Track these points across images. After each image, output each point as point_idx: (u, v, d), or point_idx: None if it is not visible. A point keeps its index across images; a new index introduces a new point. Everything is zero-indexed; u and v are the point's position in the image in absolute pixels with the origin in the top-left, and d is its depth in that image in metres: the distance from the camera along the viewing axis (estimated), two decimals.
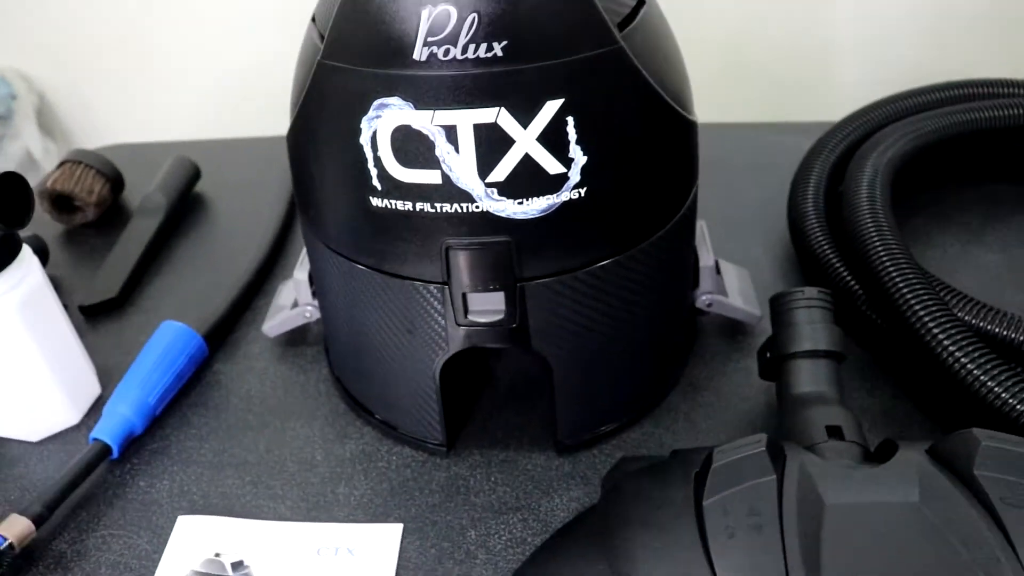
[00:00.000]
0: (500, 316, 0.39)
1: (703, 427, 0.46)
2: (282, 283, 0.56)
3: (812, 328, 0.42)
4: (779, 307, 0.43)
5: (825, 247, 0.53)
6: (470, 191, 0.35)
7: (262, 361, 0.53)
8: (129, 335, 0.56)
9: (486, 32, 0.32)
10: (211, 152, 0.77)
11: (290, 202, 0.67)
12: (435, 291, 0.38)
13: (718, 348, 0.51)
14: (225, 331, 0.55)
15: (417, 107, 0.34)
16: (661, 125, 0.38)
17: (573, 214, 0.36)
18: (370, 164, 0.36)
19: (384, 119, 0.34)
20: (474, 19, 0.32)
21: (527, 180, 0.35)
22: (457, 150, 0.34)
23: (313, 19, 0.39)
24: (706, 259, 0.49)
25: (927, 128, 0.58)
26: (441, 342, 0.40)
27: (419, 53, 0.32)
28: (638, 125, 0.37)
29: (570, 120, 0.34)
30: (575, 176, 0.35)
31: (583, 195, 0.36)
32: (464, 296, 0.38)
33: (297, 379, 0.51)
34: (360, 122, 0.35)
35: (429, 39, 0.32)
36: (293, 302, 0.53)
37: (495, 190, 0.35)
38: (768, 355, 0.43)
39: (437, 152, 0.34)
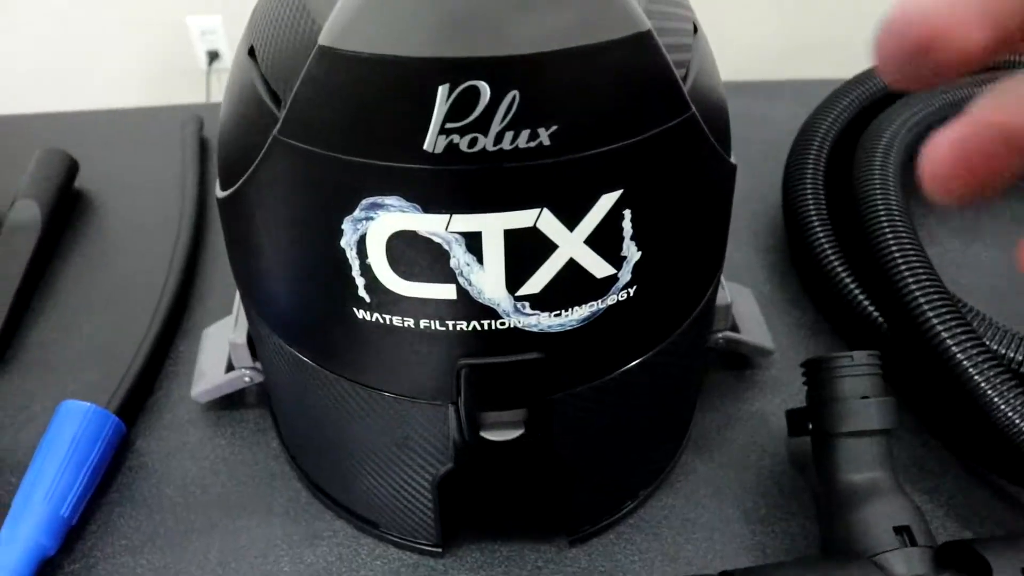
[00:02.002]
0: (519, 433, 0.31)
1: (726, 492, 0.41)
2: (206, 331, 0.46)
3: (864, 404, 0.36)
4: (821, 375, 0.37)
5: (835, 264, 0.48)
6: (494, 306, 0.27)
7: (194, 433, 0.43)
8: (10, 409, 0.44)
9: (530, 115, 0.23)
10: (84, 130, 0.63)
11: (199, 200, 0.56)
12: (439, 409, 0.30)
13: (726, 387, 0.46)
14: (142, 395, 0.45)
15: (427, 210, 0.24)
16: (721, 191, 0.31)
17: (616, 317, 0.29)
18: (355, 272, 0.26)
19: (378, 223, 0.25)
20: (514, 99, 0.22)
21: (568, 289, 0.27)
22: (480, 261, 0.25)
23: (251, 53, 0.28)
24: (723, 297, 0.42)
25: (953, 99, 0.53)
26: (442, 457, 0.33)
27: (432, 143, 0.23)
28: (700, 200, 0.29)
29: (627, 214, 0.26)
30: (625, 276, 0.28)
31: (631, 295, 0.28)
32: (477, 413, 0.30)
33: (241, 456, 0.42)
34: (341, 222, 0.25)
35: (448, 126, 0.23)
36: (227, 363, 0.43)
37: (527, 304, 0.27)
38: (808, 426, 0.38)
39: (453, 264, 0.25)
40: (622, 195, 0.25)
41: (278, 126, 0.25)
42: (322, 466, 0.39)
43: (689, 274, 0.31)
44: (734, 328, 0.45)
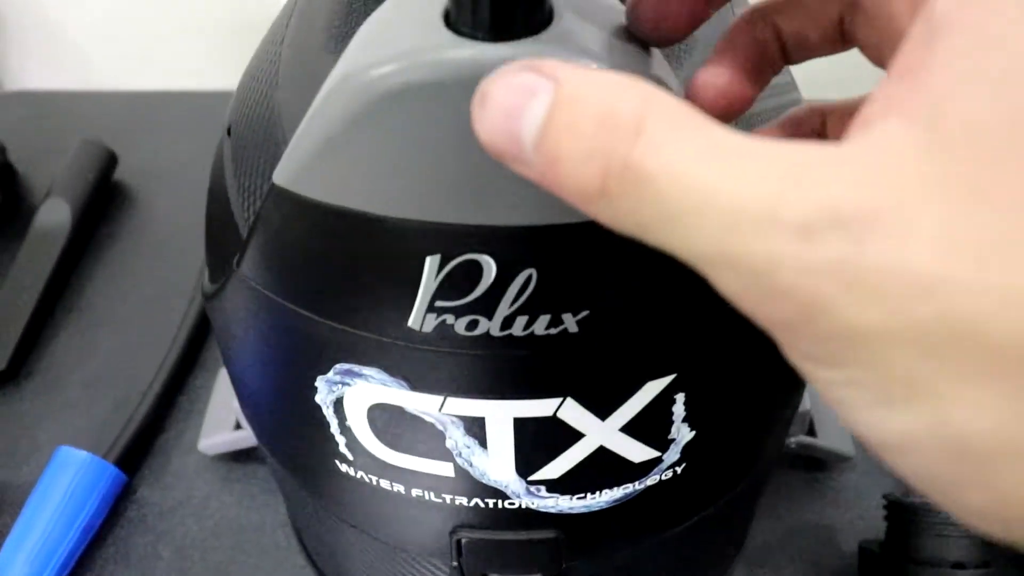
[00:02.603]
0: None
1: None
2: (223, 370, 0.42)
3: (968, 542, 0.30)
4: (906, 521, 0.31)
5: None
6: (503, 488, 0.21)
7: (200, 486, 0.40)
8: (16, 435, 0.42)
9: (552, 299, 0.17)
10: (134, 110, 0.60)
11: None
12: (439, 567, 0.26)
13: (792, 492, 0.39)
14: (150, 436, 0.42)
15: (415, 388, 0.19)
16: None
17: (657, 495, 0.23)
18: (334, 429, 0.21)
19: (356, 390, 0.20)
20: (529, 279, 0.16)
21: (596, 473, 0.21)
22: (484, 445, 0.20)
23: (229, 133, 0.23)
24: (805, 402, 0.36)
25: None
26: None
27: (418, 322, 0.17)
28: (772, 364, 0.22)
29: (680, 397, 0.20)
30: (672, 457, 0.22)
31: (678, 472, 0.22)
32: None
33: (248, 519, 0.39)
34: (314, 380, 0.20)
35: (439, 304, 0.17)
36: (235, 419, 0.39)
37: (542, 487, 0.21)
38: (891, 563, 0.32)
39: (449, 444, 0.20)
40: (674, 380, 0.19)
41: (238, 257, 0.20)
42: (322, 554, 0.35)
43: (755, 438, 0.25)
44: (810, 430, 0.38)
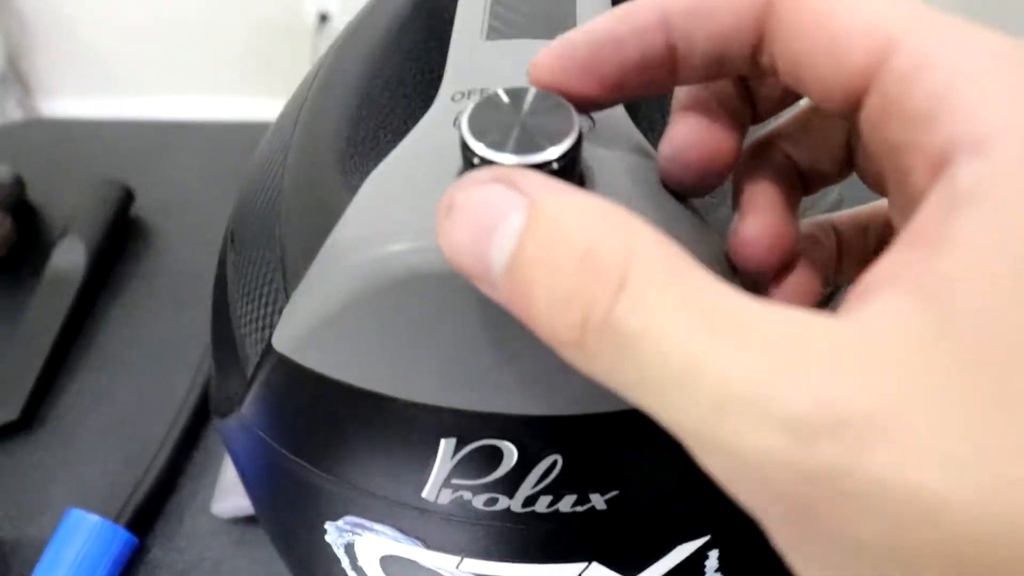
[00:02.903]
0: None
1: None
2: None
3: None
4: None
5: None
6: None
7: (213, 549, 0.39)
8: (28, 488, 0.42)
9: (579, 481, 0.15)
10: (153, 141, 0.59)
11: None
12: None
13: None
14: (163, 495, 0.41)
15: (429, 547, 0.18)
16: None
17: None
18: (345, 566, 0.20)
19: (366, 540, 0.18)
20: (554, 464, 0.15)
21: None
22: None
23: (232, 240, 0.21)
24: None
25: None
26: None
27: (433, 493, 0.16)
28: None
29: (713, 554, 0.18)
30: None
31: None
32: None
33: None
34: (323, 523, 0.19)
35: (455, 482, 0.16)
36: None
37: None
38: None
39: None
40: (708, 540, 0.18)
41: (240, 397, 0.18)
42: None
43: None
44: None
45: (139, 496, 0.39)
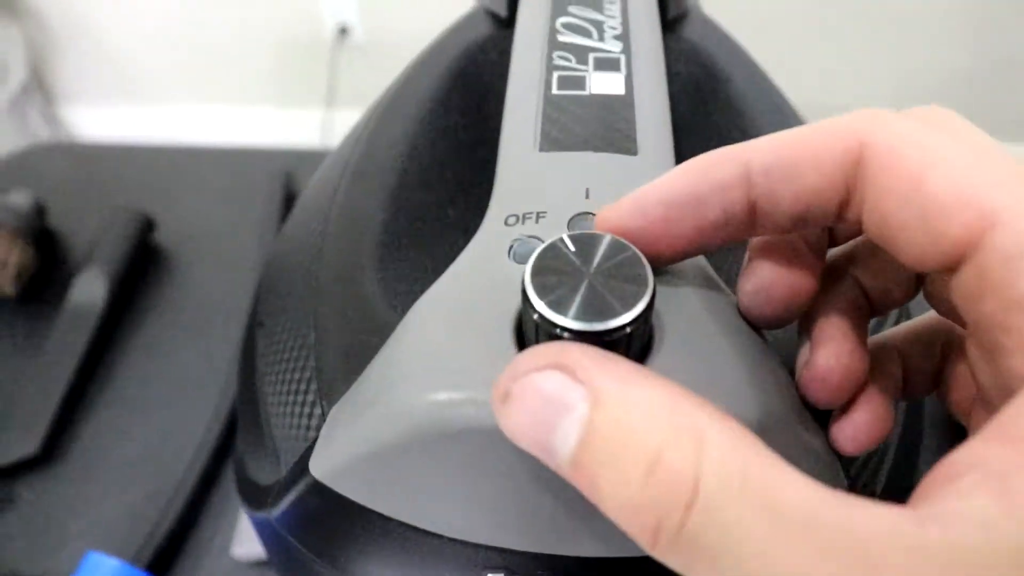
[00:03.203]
0: None
1: None
2: None
3: None
4: None
5: None
6: None
7: None
8: (48, 524, 0.42)
9: None
10: (174, 166, 0.59)
11: None
12: None
13: None
14: (180, 539, 0.41)
15: None
16: None
17: None
18: None
19: None
20: None
21: None
22: None
23: (259, 326, 0.21)
24: None
25: None
26: None
27: None
28: None
29: None
30: None
31: None
32: None
33: None
34: None
35: None
36: None
37: None
38: None
39: None
40: None
41: (272, 498, 0.18)
42: None
43: None
44: None
45: (158, 537, 0.39)
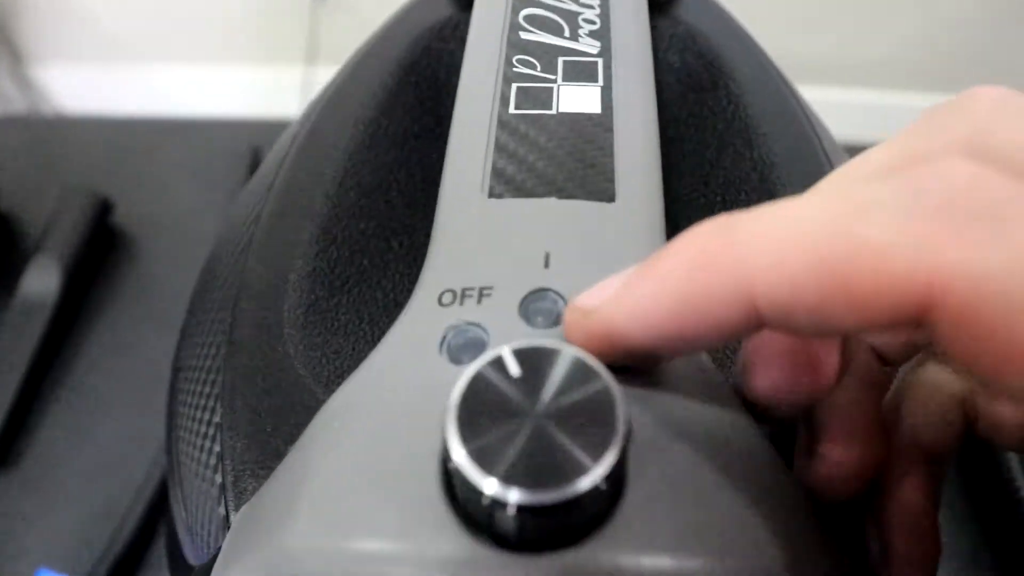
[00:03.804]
0: None
1: None
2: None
3: None
4: None
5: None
6: None
7: None
8: (9, 526, 0.39)
9: None
10: (135, 140, 0.55)
11: None
12: None
13: None
14: (138, 552, 0.38)
15: None
16: None
17: None
18: None
19: None
20: None
21: None
22: None
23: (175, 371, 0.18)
24: None
25: None
26: None
27: None
28: None
29: None
30: None
31: None
32: None
33: None
34: None
35: None
36: None
37: None
38: None
39: None
40: None
41: None
42: None
43: None
44: None
45: (114, 552, 0.37)
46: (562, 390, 0.10)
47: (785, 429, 0.14)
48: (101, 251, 0.49)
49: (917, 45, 1.00)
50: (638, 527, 0.10)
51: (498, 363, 0.10)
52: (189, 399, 0.16)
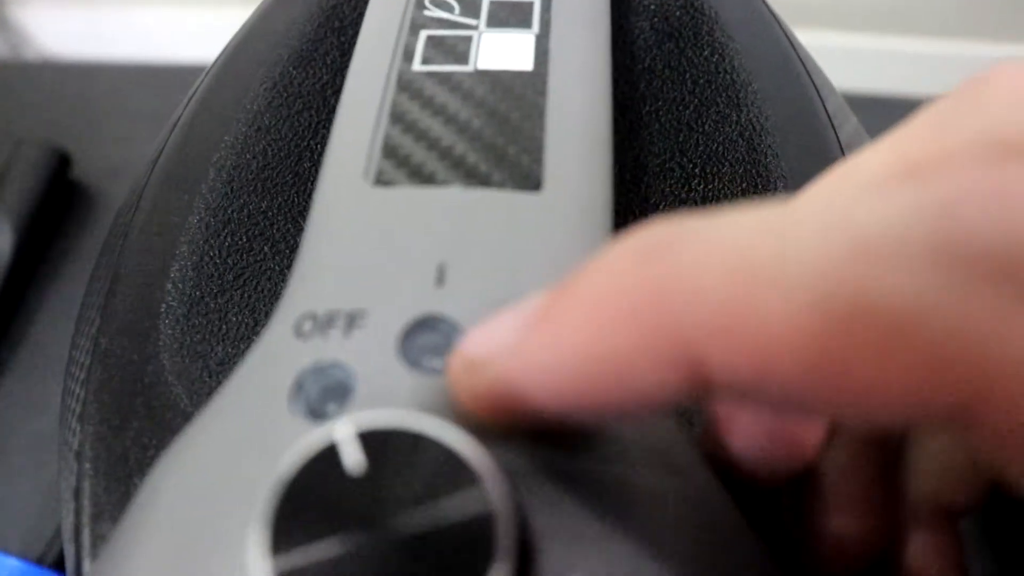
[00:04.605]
0: None
1: None
2: None
3: None
4: None
5: None
6: None
7: None
8: None
9: None
10: (100, 87, 0.52)
11: None
12: None
13: None
14: None
15: None
16: None
17: None
18: None
19: None
20: None
21: None
22: None
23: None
24: None
25: None
26: None
27: None
28: None
29: None
30: None
31: None
32: None
33: None
34: None
35: None
36: None
37: None
38: None
39: None
40: None
41: None
42: None
43: None
44: None
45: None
46: (421, 497, 0.07)
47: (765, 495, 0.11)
48: (58, 207, 0.46)
49: None
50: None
51: (329, 452, 0.07)
52: (64, 416, 0.14)
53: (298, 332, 0.10)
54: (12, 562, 0.33)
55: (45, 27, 1.16)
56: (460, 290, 0.10)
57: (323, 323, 0.10)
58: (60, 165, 0.46)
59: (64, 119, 0.50)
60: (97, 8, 1.14)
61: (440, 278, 0.10)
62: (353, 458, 0.07)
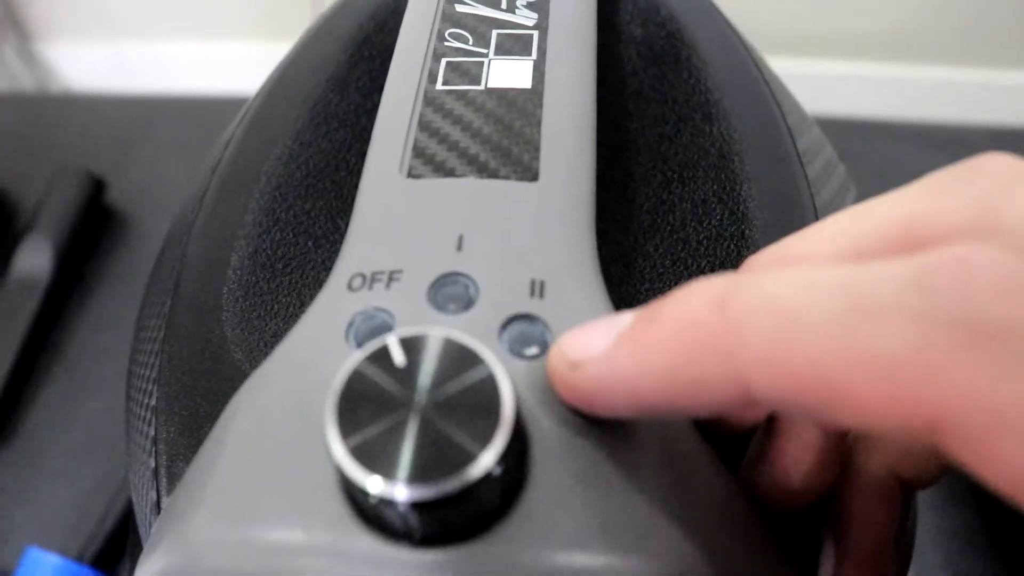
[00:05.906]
0: None
1: None
2: None
3: None
4: None
5: None
6: None
7: None
8: (1, 506, 0.40)
9: None
10: (133, 118, 0.55)
11: None
12: None
13: None
14: (128, 530, 0.39)
15: None
16: None
17: None
18: None
19: None
20: None
21: None
22: None
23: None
24: None
25: None
26: None
27: None
28: None
29: None
30: None
31: None
32: None
33: None
34: None
35: None
36: None
37: None
38: None
39: None
40: None
41: None
42: None
43: None
44: None
45: (105, 529, 0.37)
46: (444, 379, 0.10)
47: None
48: (94, 230, 0.49)
49: (901, 16, 0.97)
50: (540, 521, 0.10)
51: (380, 353, 0.10)
52: (134, 382, 0.16)
53: (350, 287, 0.13)
54: (53, 559, 0.35)
55: (69, 62, 1.21)
56: (475, 254, 0.13)
57: (369, 280, 0.13)
58: (95, 190, 0.49)
59: (96, 148, 0.53)
60: (118, 43, 1.19)
61: (459, 245, 0.13)
62: (397, 356, 0.10)
